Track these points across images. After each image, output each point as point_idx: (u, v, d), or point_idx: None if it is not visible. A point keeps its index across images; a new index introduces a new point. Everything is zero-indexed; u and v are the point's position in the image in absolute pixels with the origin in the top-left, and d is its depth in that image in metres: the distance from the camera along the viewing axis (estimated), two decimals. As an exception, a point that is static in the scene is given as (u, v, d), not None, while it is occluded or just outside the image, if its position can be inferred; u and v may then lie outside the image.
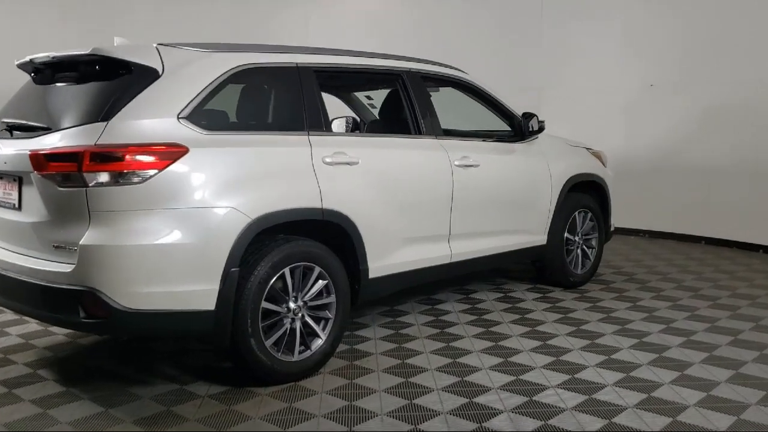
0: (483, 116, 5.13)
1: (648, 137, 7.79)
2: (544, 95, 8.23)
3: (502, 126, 5.02)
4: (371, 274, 3.82)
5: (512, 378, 3.46)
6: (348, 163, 3.69)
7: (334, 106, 5.43)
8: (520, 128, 4.90)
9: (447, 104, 5.07)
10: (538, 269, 5.43)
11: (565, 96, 8.17)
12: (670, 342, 4.04)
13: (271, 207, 3.29)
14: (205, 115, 3.28)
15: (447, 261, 4.32)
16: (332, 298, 3.57)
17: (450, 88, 4.88)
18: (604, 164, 5.78)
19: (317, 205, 3.49)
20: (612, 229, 5.83)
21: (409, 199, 4.02)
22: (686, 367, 3.62)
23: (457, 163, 4.31)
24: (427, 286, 5.05)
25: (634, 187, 7.62)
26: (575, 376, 3.49)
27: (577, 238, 5.39)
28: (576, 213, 5.34)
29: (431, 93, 5.01)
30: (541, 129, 4.89)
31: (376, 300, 4.45)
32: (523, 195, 4.85)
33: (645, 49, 7.71)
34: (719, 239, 7.26)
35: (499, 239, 4.70)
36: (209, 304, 3.09)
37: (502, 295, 5.15)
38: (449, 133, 4.71)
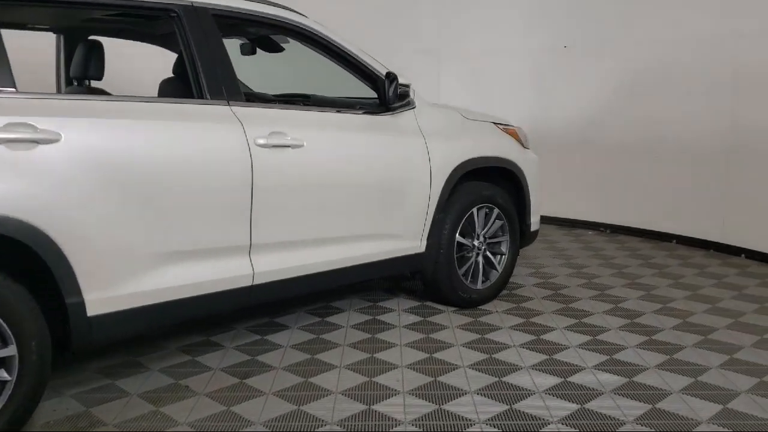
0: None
1: (563, 107, 6.41)
2: (444, 59, 6.82)
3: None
4: (92, 311, 2.53)
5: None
6: (35, 141, 2.37)
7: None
8: (384, 95, 3.53)
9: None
10: (424, 283, 4.11)
11: (467, 60, 6.77)
12: (557, 412, 2.73)
13: None
14: None
15: (247, 283, 3.02)
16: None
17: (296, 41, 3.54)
18: (523, 144, 4.41)
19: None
20: (534, 228, 4.47)
21: (164, 196, 2.71)
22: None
23: (261, 141, 2.98)
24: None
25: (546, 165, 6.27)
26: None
27: (476, 243, 4.05)
28: (475, 209, 4.00)
29: (280, 46, 3.71)
30: (401, 96, 3.52)
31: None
32: (382, 187, 3.52)
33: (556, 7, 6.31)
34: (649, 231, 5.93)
35: (342, 249, 3.39)
36: None
37: (369, 318, 3.85)
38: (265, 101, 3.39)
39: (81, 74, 3.41)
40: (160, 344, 3.39)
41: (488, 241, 4.14)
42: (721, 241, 5.53)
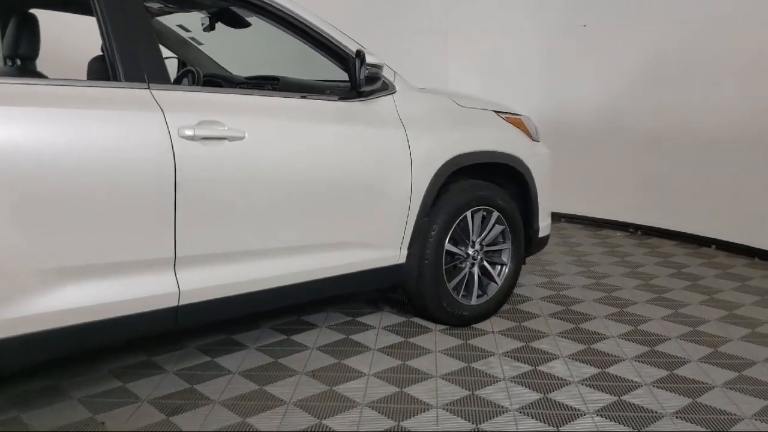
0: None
1: (581, 93, 5.73)
2: (452, 40, 6.16)
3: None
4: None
5: None
6: None
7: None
8: (354, 78, 2.97)
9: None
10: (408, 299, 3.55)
11: (475, 41, 6.10)
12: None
13: None
14: None
15: (171, 303, 2.50)
16: None
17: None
18: (531, 137, 3.80)
19: None
20: (543, 234, 3.87)
21: (57, 199, 2.21)
22: None
23: (187, 132, 2.45)
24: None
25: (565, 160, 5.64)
26: None
27: (470, 252, 3.47)
28: (469, 213, 3.42)
29: (246, 21, 3.19)
30: (370, 79, 2.94)
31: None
32: (347, 187, 2.97)
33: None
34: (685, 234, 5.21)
35: (295, 262, 2.85)
36: None
37: (341, 337, 3.31)
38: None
39: (12, 52, 2.97)
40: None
41: (486, 249, 3.55)
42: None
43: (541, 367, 2.99)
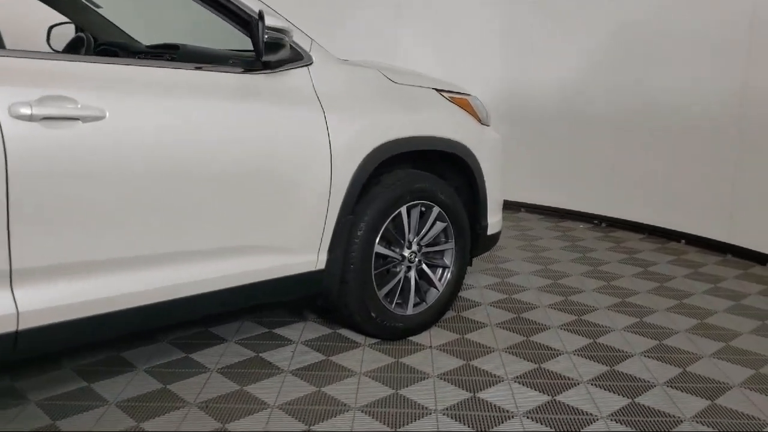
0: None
1: (542, 71, 5.27)
2: (404, 13, 5.64)
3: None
4: None
5: None
6: None
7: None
8: (257, 45, 2.42)
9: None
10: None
11: (428, 14, 5.59)
12: None
13: None
14: None
15: (8, 328, 1.96)
16: None
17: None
18: (480, 120, 3.30)
19: None
20: (493, 231, 3.40)
21: None
22: None
23: (23, 111, 1.90)
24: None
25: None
26: None
27: (406, 253, 2.97)
28: (404, 209, 2.91)
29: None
30: (273, 46, 2.40)
31: None
32: (244, 180, 2.44)
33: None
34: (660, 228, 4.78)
35: (177, 272, 2.32)
36: None
37: (250, 355, 2.81)
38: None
39: None
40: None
41: (425, 250, 3.06)
42: (739, 244, 4.41)
43: (482, 394, 2.52)
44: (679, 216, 4.75)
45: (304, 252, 2.64)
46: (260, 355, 2.82)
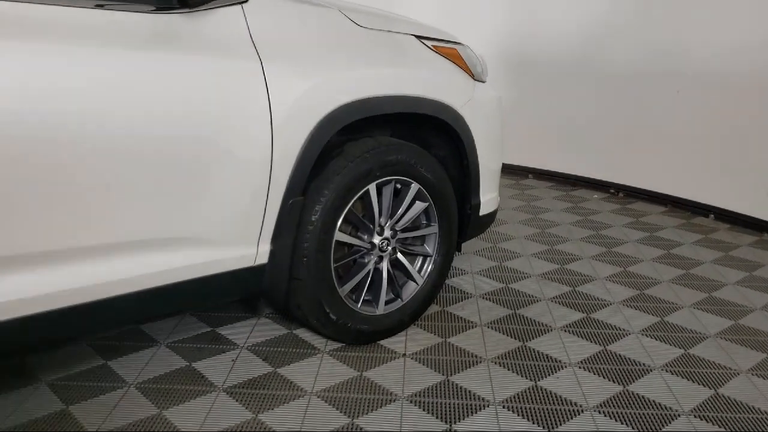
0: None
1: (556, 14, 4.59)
2: None
3: None
4: None
5: None
6: None
7: None
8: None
9: None
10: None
11: None
12: None
13: None
14: None
15: None
16: None
17: None
18: (472, 75, 2.69)
19: None
20: (487, 211, 2.83)
21: None
22: None
23: None
24: None
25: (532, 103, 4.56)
26: None
27: (376, 241, 2.41)
28: (372, 186, 2.34)
29: None
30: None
31: None
32: (160, 152, 1.86)
33: None
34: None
35: (73, 272, 1.76)
36: None
37: (181, 365, 2.30)
38: None
39: None
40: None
41: (400, 236, 2.50)
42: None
43: (461, 426, 1.98)
44: (708, 188, 4.13)
45: (239, 244, 2.09)
46: (193, 365, 2.29)
